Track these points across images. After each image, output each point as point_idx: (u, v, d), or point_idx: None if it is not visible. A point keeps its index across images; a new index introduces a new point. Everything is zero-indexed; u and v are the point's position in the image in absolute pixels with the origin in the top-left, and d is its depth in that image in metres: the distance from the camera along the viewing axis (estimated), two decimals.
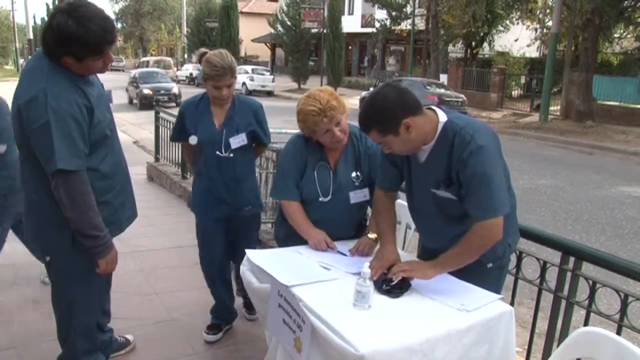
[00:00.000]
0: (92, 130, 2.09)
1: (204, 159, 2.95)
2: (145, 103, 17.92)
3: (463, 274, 2.06)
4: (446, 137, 1.97)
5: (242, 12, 39.72)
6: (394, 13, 25.32)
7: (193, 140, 2.90)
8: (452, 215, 2.03)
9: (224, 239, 3.07)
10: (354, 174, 2.49)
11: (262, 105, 3.08)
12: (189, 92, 23.74)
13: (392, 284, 1.94)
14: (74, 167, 2.01)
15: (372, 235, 2.37)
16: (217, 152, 2.90)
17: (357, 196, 2.50)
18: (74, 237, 2.14)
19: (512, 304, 2.26)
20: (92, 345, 2.50)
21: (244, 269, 2.24)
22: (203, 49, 2.99)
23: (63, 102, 1.98)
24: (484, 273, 2.12)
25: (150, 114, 7.98)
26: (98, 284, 2.38)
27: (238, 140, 2.91)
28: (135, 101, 19.80)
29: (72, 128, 1.99)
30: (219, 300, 3.21)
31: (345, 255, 2.28)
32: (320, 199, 2.45)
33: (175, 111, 3.99)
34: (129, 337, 3.02)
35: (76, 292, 2.33)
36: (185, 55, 42.04)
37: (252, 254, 2.24)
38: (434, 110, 2.04)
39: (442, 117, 2.01)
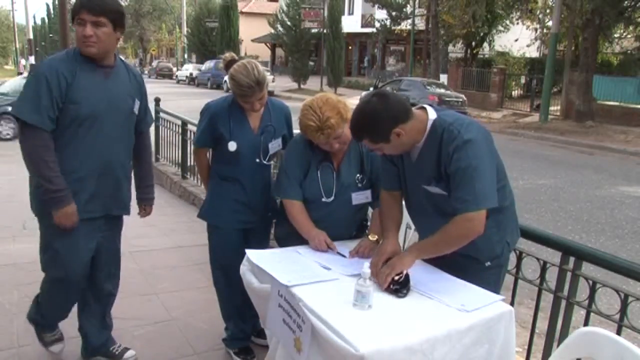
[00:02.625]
0: (66, 105, 2.29)
1: (238, 167, 2.74)
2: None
3: (461, 272, 2.07)
4: (435, 134, 2.00)
5: (242, 12, 39.77)
6: (394, 13, 25.32)
7: (232, 146, 2.68)
8: (445, 211, 2.04)
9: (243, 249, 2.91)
10: (358, 176, 2.49)
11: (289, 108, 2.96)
12: (190, 92, 23.52)
13: (399, 283, 1.94)
14: (31, 120, 2.24)
15: (372, 237, 2.36)
16: (257, 160, 2.74)
17: (359, 197, 2.50)
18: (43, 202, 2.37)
19: (512, 304, 2.25)
20: (44, 315, 2.74)
21: (244, 269, 2.24)
22: (229, 55, 2.77)
23: (45, 66, 2.31)
24: (482, 272, 2.12)
25: None
26: (60, 255, 2.49)
27: (275, 146, 2.79)
28: None
29: (41, 87, 2.24)
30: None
31: (345, 257, 2.28)
32: (323, 199, 2.46)
33: None
34: (131, 353, 2.86)
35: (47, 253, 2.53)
36: (185, 55, 42.06)
37: (252, 254, 2.24)
38: (424, 108, 2.06)
39: (432, 114, 2.04)
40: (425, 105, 2.09)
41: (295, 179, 2.47)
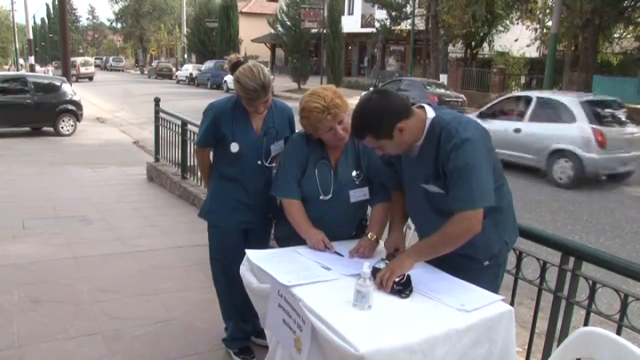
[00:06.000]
0: None
1: (240, 168, 2.75)
2: None
3: (460, 272, 2.07)
4: (434, 133, 2.00)
5: (242, 12, 39.77)
6: (393, 13, 25.35)
7: (235, 147, 2.70)
8: (443, 211, 2.04)
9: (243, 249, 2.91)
10: (354, 173, 2.50)
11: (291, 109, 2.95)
12: (190, 92, 23.40)
13: (401, 284, 1.94)
14: None
15: (372, 237, 2.36)
16: (259, 162, 2.74)
17: (357, 195, 2.50)
18: None
19: (512, 304, 2.25)
20: None
21: (243, 269, 2.24)
22: (235, 56, 2.78)
23: None
24: (480, 271, 2.12)
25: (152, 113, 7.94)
26: None
27: (277, 148, 2.78)
28: None
29: None
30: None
31: (342, 256, 2.28)
32: (320, 197, 2.46)
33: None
34: None
35: None
36: (185, 56, 42.05)
37: (252, 254, 2.24)
38: (422, 107, 2.07)
39: (430, 113, 2.04)
40: (424, 104, 2.09)
41: (293, 178, 2.48)
